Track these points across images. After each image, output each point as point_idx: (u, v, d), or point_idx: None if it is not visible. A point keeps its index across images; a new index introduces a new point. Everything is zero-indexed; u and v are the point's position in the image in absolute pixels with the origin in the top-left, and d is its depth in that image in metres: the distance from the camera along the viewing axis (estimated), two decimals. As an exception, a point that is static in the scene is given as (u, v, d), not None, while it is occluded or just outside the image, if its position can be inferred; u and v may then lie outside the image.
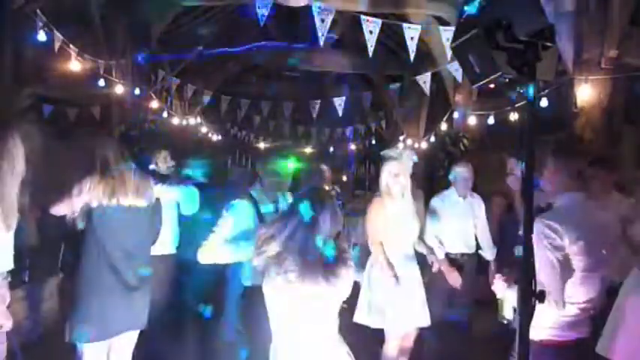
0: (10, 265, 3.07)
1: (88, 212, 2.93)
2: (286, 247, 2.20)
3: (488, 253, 4.58)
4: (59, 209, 2.91)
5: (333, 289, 2.20)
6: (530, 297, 1.63)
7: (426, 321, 3.84)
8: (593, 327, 2.41)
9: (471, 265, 4.57)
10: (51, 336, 4.47)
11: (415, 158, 3.98)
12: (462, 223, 4.53)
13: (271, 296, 2.25)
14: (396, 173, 3.81)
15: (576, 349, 2.32)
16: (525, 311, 1.64)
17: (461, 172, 4.53)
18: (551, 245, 2.22)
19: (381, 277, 3.73)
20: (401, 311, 3.70)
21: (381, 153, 4.03)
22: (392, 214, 3.81)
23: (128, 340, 3.04)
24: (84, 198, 2.89)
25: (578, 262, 2.28)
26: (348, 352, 2.35)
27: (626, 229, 3.06)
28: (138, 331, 3.08)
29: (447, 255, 4.39)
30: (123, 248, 2.95)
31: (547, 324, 2.28)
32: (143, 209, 3.06)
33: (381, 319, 3.72)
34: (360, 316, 3.80)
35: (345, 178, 15.73)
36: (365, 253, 4.08)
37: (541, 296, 1.64)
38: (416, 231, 3.96)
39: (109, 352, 3.01)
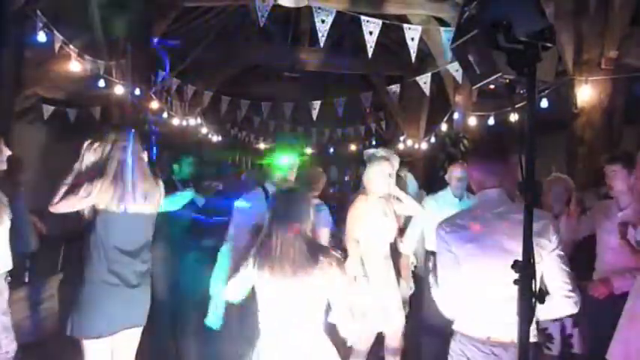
0: (9, 265, 3.08)
1: (93, 213, 2.91)
2: (263, 244, 2.34)
3: None
4: (60, 207, 2.87)
5: (306, 286, 2.27)
6: (530, 297, 1.63)
7: (400, 321, 3.83)
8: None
9: None
10: (51, 336, 4.48)
11: (397, 164, 3.99)
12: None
13: (255, 291, 2.37)
14: (389, 173, 3.83)
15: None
16: (525, 311, 1.63)
17: (456, 172, 4.51)
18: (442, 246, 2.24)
19: (357, 276, 3.73)
20: (375, 311, 3.69)
21: (372, 152, 4.02)
22: (373, 213, 3.82)
23: (131, 337, 3.05)
24: (91, 201, 2.87)
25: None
26: (333, 350, 2.39)
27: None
28: (140, 329, 3.09)
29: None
30: (125, 250, 2.96)
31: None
32: (150, 215, 3.06)
33: (357, 319, 3.72)
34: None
35: (346, 178, 15.78)
36: None
37: (541, 296, 1.63)
38: (394, 231, 3.96)
39: (112, 351, 3.01)
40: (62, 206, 2.85)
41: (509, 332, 1.97)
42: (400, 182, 4.25)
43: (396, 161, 3.92)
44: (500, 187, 2.25)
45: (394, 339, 3.85)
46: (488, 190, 2.26)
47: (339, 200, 8.03)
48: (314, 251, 2.31)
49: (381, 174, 3.83)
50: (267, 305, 2.35)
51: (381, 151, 4.00)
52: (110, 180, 2.89)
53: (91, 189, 2.84)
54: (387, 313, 3.73)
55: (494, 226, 2.17)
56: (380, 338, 3.87)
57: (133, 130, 3.07)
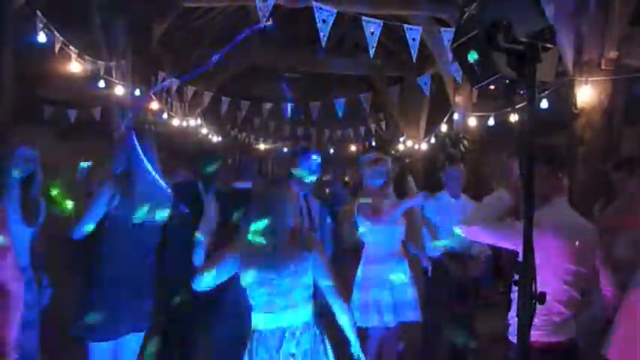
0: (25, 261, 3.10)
1: (103, 218, 2.92)
2: (247, 242, 2.43)
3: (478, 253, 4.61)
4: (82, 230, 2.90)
5: (290, 280, 2.38)
6: (530, 297, 1.63)
7: (415, 317, 3.91)
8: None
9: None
10: (53, 336, 4.47)
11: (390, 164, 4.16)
12: (455, 224, 4.53)
13: (245, 285, 2.45)
14: (385, 174, 3.98)
15: (562, 351, 2.29)
16: (525, 311, 1.63)
17: (452, 173, 4.58)
18: None
19: (371, 276, 3.87)
20: (388, 310, 3.80)
21: (369, 156, 4.22)
22: (376, 213, 3.89)
23: (135, 339, 3.05)
24: (103, 210, 2.88)
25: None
26: (324, 338, 2.48)
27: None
28: (144, 331, 3.09)
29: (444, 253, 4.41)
30: (133, 253, 2.96)
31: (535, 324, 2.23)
32: (160, 220, 3.07)
33: (370, 317, 3.81)
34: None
35: (346, 179, 15.78)
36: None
37: (541, 297, 1.63)
38: (403, 231, 4.04)
39: (116, 355, 3.02)
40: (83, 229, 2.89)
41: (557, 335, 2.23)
42: (404, 184, 4.36)
43: (389, 162, 4.09)
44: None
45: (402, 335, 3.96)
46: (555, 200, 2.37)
47: (338, 200, 8.02)
48: (297, 243, 2.43)
49: (377, 175, 3.97)
50: (257, 298, 2.44)
51: (373, 155, 4.20)
52: (130, 189, 2.90)
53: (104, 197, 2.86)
54: (399, 309, 3.83)
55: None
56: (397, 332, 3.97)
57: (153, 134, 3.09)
